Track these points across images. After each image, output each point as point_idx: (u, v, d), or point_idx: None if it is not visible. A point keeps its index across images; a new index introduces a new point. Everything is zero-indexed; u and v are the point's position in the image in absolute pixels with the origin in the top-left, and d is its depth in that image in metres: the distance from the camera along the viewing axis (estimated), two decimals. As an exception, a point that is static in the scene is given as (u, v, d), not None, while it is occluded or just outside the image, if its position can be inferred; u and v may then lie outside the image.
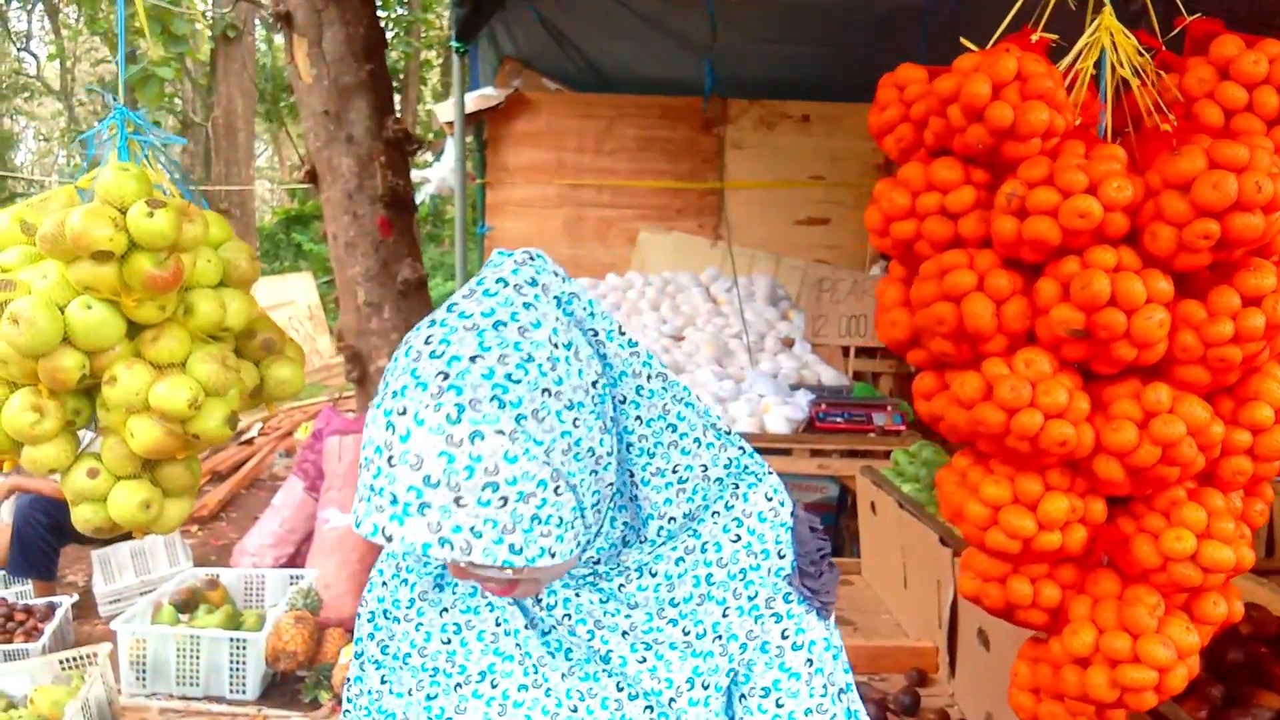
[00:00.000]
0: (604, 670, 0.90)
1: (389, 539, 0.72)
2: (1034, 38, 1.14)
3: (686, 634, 0.89)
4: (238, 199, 13.09)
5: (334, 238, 4.46)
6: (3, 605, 3.87)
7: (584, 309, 0.84)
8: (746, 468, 0.93)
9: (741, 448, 0.94)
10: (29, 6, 23.51)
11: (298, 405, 8.47)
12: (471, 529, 0.71)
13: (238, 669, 2.70)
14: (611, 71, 5.89)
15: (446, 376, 0.72)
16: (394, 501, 0.72)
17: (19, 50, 24.64)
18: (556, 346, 0.77)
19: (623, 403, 0.87)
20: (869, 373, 4.93)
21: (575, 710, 0.89)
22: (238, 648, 2.69)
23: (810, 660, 0.90)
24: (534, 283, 0.80)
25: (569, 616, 0.89)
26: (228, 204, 12.40)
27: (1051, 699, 1.25)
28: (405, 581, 0.97)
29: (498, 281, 0.79)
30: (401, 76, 17.88)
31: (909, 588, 2.56)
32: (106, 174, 1.35)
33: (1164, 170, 1.07)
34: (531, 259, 0.82)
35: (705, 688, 0.89)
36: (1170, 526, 1.09)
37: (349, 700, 1.01)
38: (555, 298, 0.82)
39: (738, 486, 0.92)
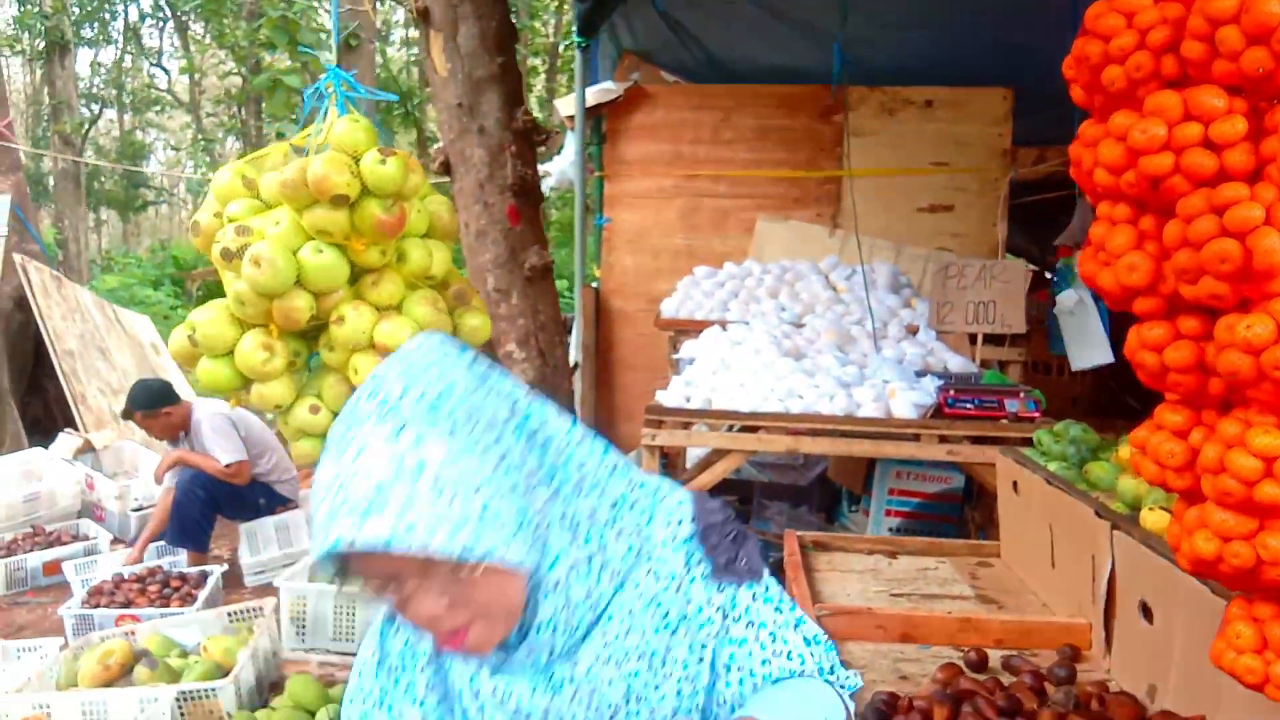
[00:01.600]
0: None
1: (350, 544, 0.79)
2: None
3: (619, 665, 0.98)
4: (358, 201, 13.60)
5: (465, 226, 4.60)
6: (159, 572, 4.14)
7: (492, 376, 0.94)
8: (635, 504, 1.02)
9: (632, 485, 1.03)
10: (161, 24, 24.91)
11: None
12: (426, 524, 0.79)
13: (390, 627, 2.82)
14: (730, 62, 5.93)
15: (385, 407, 0.83)
16: (352, 510, 0.79)
17: (151, 66, 26.12)
18: (473, 381, 0.88)
19: None
20: (996, 360, 4.82)
21: None
22: (390, 607, 2.82)
23: (750, 622, 1.01)
24: (444, 342, 0.92)
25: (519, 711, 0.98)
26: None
27: None
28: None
29: (411, 345, 0.91)
30: (513, 78, 18.28)
31: (1057, 567, 2.51)
32: (340, 125, 1.46)
33: None
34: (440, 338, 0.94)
35: (640, 700, 0.98)
36: None
37: None
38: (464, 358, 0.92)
39: (640, 528, 1.02)
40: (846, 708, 1.05)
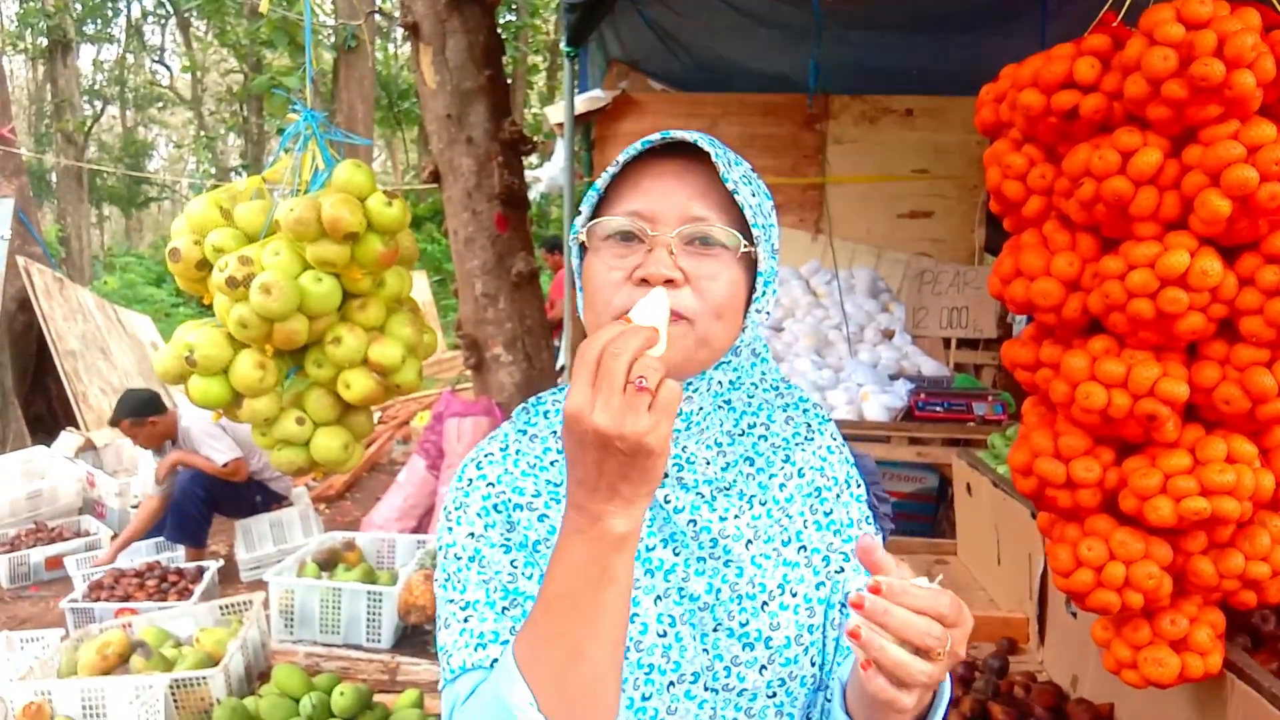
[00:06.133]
0: (710, 576, 0.96)
1: (690, 140, 0.92)
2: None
3: (777, 549, 0.99)
4: (356, 200, 13.73)
5: (454, 233, 4.75)
6: (158, 568, 4.29)
7: None
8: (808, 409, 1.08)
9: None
10: (163, 21, 25.03)
11: (413, 396, 8.91)
12: (742, 176, 0.94)
13: (374, 620, 2.97)
14: (716, 70, 6.05)
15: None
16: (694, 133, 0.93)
17: (153, 63, 26.25)
18: None
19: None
20: (970, 364, 4.95)
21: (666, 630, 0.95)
22: (374, 601, 2.96)
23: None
24: None
25: (694, 522, 0.96)
26: (347, 205, 13.06)
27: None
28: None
29: None
30: (509, 81, 18.35)
31: (1002, 564, 2.65)
32: (343, 170, 1.65)
33: None
34: None
35: (793, 595, 0.98)
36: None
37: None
38: None
39: (810, 426, 1.05)
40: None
